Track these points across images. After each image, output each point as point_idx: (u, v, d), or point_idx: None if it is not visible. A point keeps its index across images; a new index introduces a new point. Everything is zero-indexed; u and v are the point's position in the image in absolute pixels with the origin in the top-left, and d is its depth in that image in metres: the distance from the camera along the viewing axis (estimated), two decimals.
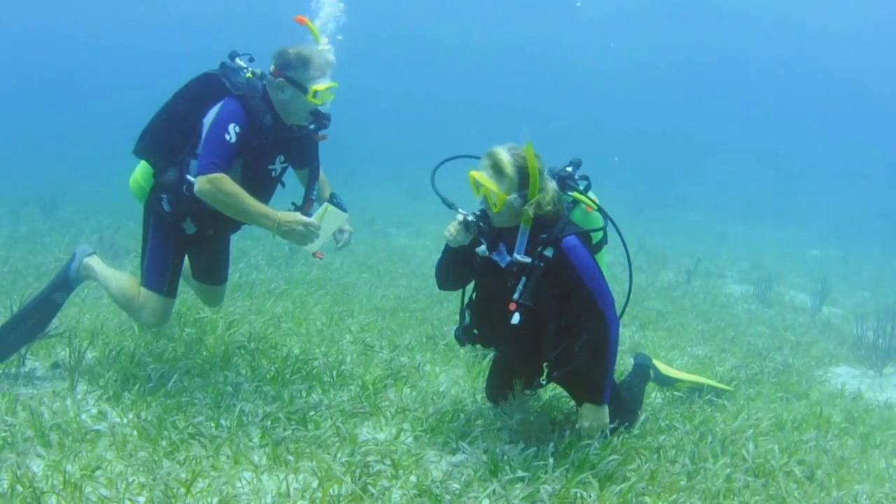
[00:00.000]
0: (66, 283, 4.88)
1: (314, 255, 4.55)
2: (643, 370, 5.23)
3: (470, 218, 3.87)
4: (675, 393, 5.34)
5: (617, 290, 4.12)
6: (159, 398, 4.40)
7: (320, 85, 4.31)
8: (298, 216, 4.23)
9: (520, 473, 3.72)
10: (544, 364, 4.07)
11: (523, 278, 3.80)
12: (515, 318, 3.76)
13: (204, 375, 4.83)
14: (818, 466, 4.20)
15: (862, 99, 50.29)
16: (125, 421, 4.13)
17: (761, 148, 44.42)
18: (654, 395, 5.27)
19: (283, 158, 4.64)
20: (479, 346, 4.34)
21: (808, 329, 9.08)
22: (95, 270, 4.84)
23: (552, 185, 3.89)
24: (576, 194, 4.18)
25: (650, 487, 3.77)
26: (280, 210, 4.28)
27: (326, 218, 4.35)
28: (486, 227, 3.91)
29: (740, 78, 52.77)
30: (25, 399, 4.30)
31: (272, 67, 4.39)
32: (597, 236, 4.25)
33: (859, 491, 4.00)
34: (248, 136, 4.28)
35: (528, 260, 3.79)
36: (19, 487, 3.24)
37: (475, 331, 4.24)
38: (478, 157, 3.95)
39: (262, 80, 4.45)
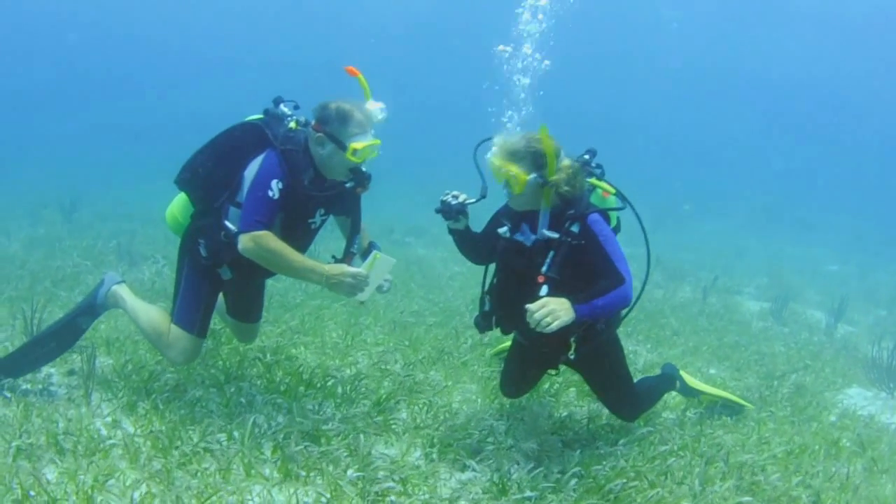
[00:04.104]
0: (92, 309, 4.85)
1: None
2: (669, 380, 5.27)
3: (450, 199, 4.17)
4: (688, 415, 5.32)
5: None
6: (174, 408, 4.45)
7: (359, 143, 4.21)
8: (346, 268, 4.16)
9: (528, 493, 3.74)
10: (572, 339, 4.12)
11: (551, 252, 3.91)
12: (543, 291, 3.82)
13: (218, 386, 4.87)
14: (824, 491, 4.19)
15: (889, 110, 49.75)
16: (139, 431, 4.16)
17: (785, 158, 44.26)
18: (664, 415, 5.26)
19: (322, 211, 4.58)
20: (499, 330, 4.40)
21: (823, 349, 9.01)
22: (125, 300, 4.80)
23: (571, 165, 3.98)
24: (593, 180, 4.24)
25: None
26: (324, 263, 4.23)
27: (376, 266, 4.33)
28: (505, 210, 4.16)
29: (770, 84, 52.53)
30: (41, 406, 4.35)
31: (313, 121, 4.32)
32: (613, 219, 4.31)
33: None
34: (290, 192, 4.23)
35: (557, 235, 3.91)
36: (32, 492, 3.29)
37: (495, 317, 4.34)
38: None
39: (306, 129, 4.37)
